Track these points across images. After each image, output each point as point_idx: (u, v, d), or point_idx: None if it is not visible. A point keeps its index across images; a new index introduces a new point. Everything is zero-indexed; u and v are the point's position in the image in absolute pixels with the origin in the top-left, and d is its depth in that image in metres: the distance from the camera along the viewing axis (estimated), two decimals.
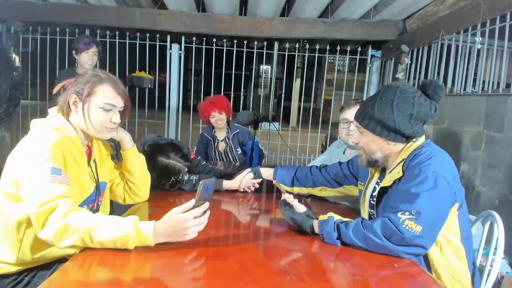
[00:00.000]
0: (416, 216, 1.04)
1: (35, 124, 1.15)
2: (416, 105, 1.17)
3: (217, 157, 2.93)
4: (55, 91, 1.19)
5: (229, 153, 2.92)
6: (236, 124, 2.93)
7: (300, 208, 1.25)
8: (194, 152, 2.89)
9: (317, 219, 1.20)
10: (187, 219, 0.99)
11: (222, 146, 2.93)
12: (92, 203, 1.23)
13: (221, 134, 2.93)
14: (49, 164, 1.01)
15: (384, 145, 1.24)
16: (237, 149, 2.91)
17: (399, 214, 1.06)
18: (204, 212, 1.04)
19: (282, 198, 1.32)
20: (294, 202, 1.26)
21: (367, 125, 1.23)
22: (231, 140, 2.91)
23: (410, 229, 1.03)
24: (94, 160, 1.26)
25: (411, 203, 1.06)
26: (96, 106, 1.15)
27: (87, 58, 2.52)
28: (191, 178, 1.74)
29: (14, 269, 1.14)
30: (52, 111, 1.19)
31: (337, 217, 1.17)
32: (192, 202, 1.01)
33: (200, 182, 1.01)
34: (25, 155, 1.04)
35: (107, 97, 1.16)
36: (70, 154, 1.12)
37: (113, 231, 0.96)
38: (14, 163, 1.07)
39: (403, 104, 1.17)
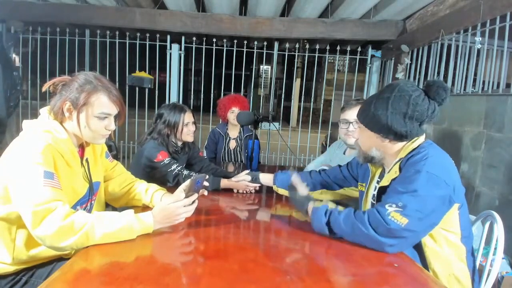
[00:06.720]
0: (402, 208, 1.07)
1: (26, 125, 1.14)
2: (412, 104, 1.17)
3: (226, 155, 2.92)
4: (44, 89, 1.18)
5: (238, 153, 2.92)
6: (249, 127, 2.92)
7: (303, 191, 1.34)
8: (205, 147, 3.00)
9: None
10: (178, 207, 1.13)
11: (233, 144, 2.93)
12: (85, 203, 1.24)
13: (234, 132, 2.94)
14: (41, 168, 1.02)
15: (378, 142, 1.25)
16: (246, 151, 2.91)
17: (386, 206, 1.09)
18: (193, 202, 1.19)
19: (292, 177, 1.42)
20: (299, 185, 1.35)
21: (363, 120, 1.27)
22: (243, 140, 2.91)
23: (395, 220, 1.06)
24: (87, 160, 1.25)
25: (400, 197, 1.09)
26: (91, 115, 1.15)
27: None
28: (190, 174, 1.79)
29: (12, 269, 1.14)
30: (44, 112, 1.17)
31: (332, 205, 1.22)
32: (183, 194, 1.17)
33: (192, 177, 1.20)
34: (17, 158, 1.03)
35: (102, 107, 1.16)
36: (61, 157, 1.12)
37: (116, 223, 1.04)
38: (5, 165, 1.06)
39: (398, 102, 1.18)
